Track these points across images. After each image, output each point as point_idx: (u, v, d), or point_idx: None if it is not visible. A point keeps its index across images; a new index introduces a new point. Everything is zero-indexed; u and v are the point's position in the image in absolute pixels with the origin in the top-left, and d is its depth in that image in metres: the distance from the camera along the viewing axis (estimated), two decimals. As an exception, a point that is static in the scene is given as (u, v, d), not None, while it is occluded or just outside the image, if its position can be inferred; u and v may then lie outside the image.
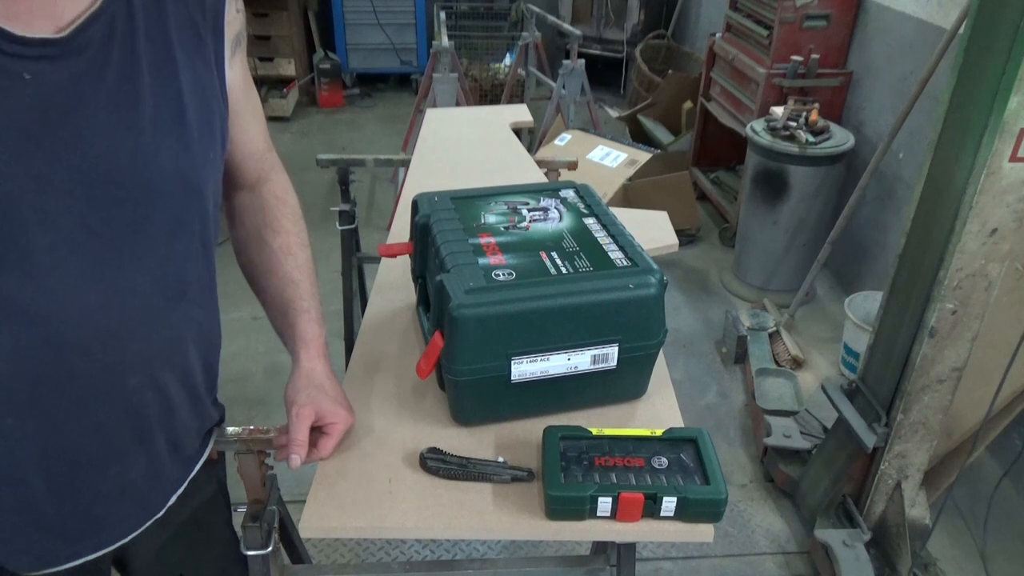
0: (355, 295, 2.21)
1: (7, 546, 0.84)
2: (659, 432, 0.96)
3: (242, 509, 1.01)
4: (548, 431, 0.96)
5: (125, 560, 0.98)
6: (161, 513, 0.95)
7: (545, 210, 1.16)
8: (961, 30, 1.91)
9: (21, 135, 0.69)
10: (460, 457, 0.96)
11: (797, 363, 2.67)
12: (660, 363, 1.10)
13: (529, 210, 1.16)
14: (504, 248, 1.05)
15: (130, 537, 0.93)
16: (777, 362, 2.68)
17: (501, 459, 0.96)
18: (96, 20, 0.72)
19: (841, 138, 2.94)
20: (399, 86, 5.86)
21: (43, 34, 0.69)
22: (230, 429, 1.01)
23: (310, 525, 0.89)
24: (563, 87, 3.82)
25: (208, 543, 1.08)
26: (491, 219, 1.13)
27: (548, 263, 1.01)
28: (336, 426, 0.95)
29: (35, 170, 0.70)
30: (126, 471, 0.87)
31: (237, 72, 0.91)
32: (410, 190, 1.60)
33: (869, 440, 1.79)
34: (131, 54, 0.75)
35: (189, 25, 0.80)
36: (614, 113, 5.09)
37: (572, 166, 2.01)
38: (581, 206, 1.18)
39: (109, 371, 0.80)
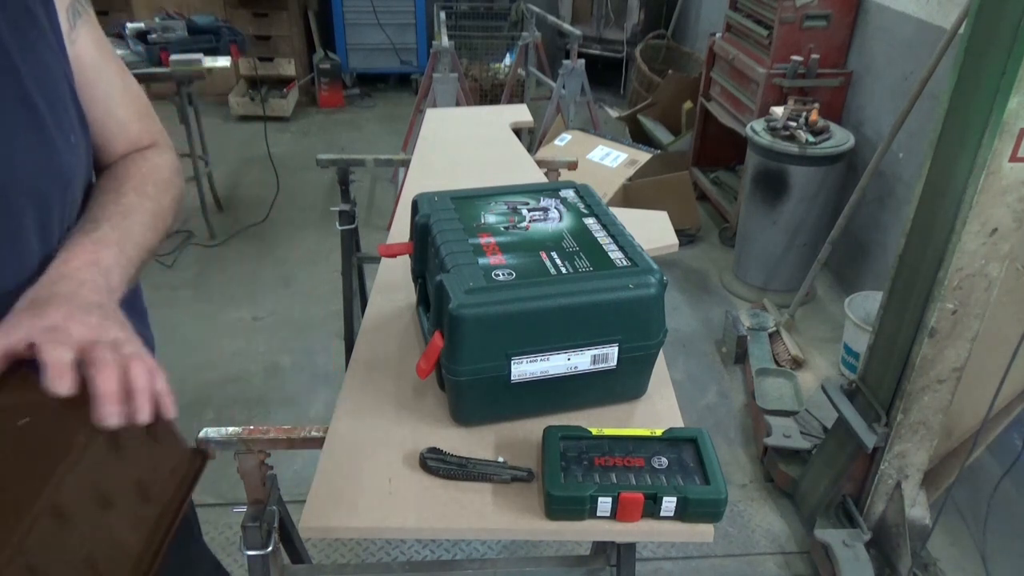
0: (355, 295, 2.21)
1: None
2: (659, 432, 0.96)
3: (241, 509, 1.01)
4: (548, 431, 0.96)
5: None
6: None
7: (545, 210, 1.16)
8: (961, 30, 1.91)
9: None
10: (460, 457, 0.96)
11: (797, 363, 2.67)
12: (660, 363, 1.09)
13: (529, 210, 1.16)
14: (504, 248, 1.05)
15: None
16: (777, 362, 2.68)
17: (501, 459, 0.96)
18: None
19: (841, 138, 2.94)
20: (399, 86, 5.86)
21: None
22: (230, 429, 1.01)
23: (310, 525, 0.89)
24: (563, 87, 3.82)
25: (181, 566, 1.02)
26: (491, 219, 1.13)
27: (548, 263, 1.01)
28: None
29: None
30: None
31: (86, 46, 0.83)
32: (410, 190, 1.60)
33: (869, 440, 1.79)
34: None
35: (13, 1, 0.72)
36: (614, 113, 5.09)
37: (572, 166, 2.00)
38: (581, 206, 1.18)
39: None
